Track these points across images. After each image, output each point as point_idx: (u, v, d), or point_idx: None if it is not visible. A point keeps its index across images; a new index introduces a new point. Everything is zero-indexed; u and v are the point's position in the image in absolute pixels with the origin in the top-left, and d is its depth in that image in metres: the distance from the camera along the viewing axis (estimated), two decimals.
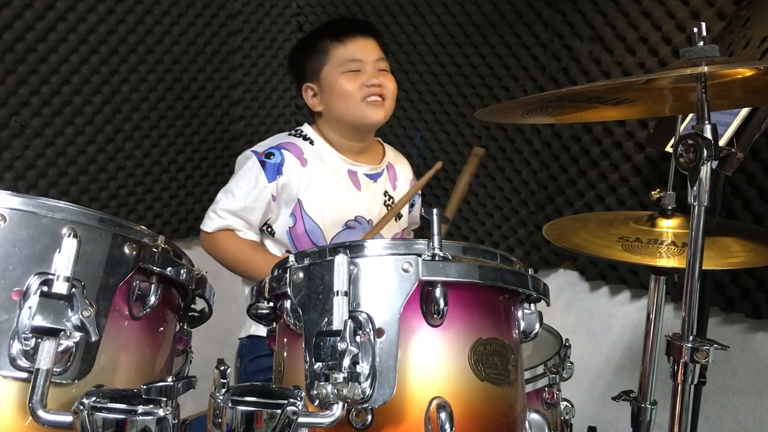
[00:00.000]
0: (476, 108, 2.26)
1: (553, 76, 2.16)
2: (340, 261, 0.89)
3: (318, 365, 0.86)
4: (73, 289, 0.82)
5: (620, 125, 2.04)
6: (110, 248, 0.88)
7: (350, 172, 1.72)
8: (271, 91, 2.67)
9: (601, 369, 2.23)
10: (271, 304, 1.04)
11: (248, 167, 1.64)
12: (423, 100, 2.46)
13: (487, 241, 2.39)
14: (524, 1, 2.17)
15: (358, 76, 1.65)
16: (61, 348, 0.81)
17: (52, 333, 0.80)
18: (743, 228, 1.63)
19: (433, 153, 2.46)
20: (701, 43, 1.10)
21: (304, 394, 0.85)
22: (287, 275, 0.94)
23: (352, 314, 0.88)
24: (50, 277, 0.82)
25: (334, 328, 0.86)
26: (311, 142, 1.71)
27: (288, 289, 0.93)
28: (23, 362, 0.81)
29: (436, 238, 0.95)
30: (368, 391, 0.86)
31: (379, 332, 0.89)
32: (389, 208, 1.76)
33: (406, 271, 0.90)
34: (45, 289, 0.82)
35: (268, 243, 1.71)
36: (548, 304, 1.07)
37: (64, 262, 0.82)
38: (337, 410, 0.83)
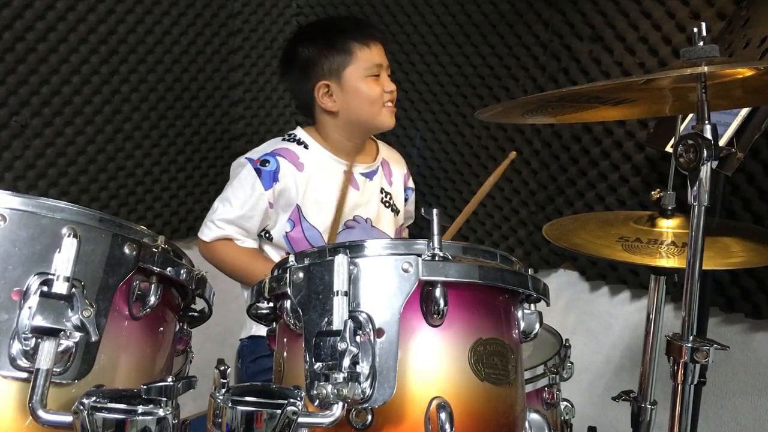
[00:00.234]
0: (476, 108, 2.25)
1: (553, 76, 2.16)
2: (340, 261, 0.89)
3: (318, 365, 0.86)
4: (73, 289, 0.82)
5: (620, 125, 2.04)
6: (110, 248, 0.88)
7: (346, 173, 1.73)
8: (271, 91, 2.67)
9: (601, 369, 2.23)
10: (271, 304, 1.04)
11: (243, 175, 1.64)
12: (423, 100, 2.46)
13: (487, 241, 2.39)
14: (524, 1, 2.17)
15: (378, 81, 1.68)
16: (61, 348, 0.81)
17: (52, 333, 0.80)
18: (743, 228, 1.63)
19: (433, 153, 2.46)
20: (701, 43, 1.10)
21: (304, 394, 0.85)
22: (287, 275, 0.94)
23: (352, 314, 0.88)
24: (50, 277, 0.82)
25: (334, 328, 0.86)
26: (306, 146, 1.71)
27: (288, 289, 0.93)
28: (23, 362, 0.81)
29: (436, 238, 0.95)
30: (368, 391, 0.86)
31: (379, 332, 0.89)
32: (386, 205, 1.78)
33: (406, 271, 0.90)
34: (45, 289, 0.82)
35: (267, 248, 1.72)
36: (548, 304, 1.07)
37: (64, 262, 0.82)
38: (337, 410, 0.83)
